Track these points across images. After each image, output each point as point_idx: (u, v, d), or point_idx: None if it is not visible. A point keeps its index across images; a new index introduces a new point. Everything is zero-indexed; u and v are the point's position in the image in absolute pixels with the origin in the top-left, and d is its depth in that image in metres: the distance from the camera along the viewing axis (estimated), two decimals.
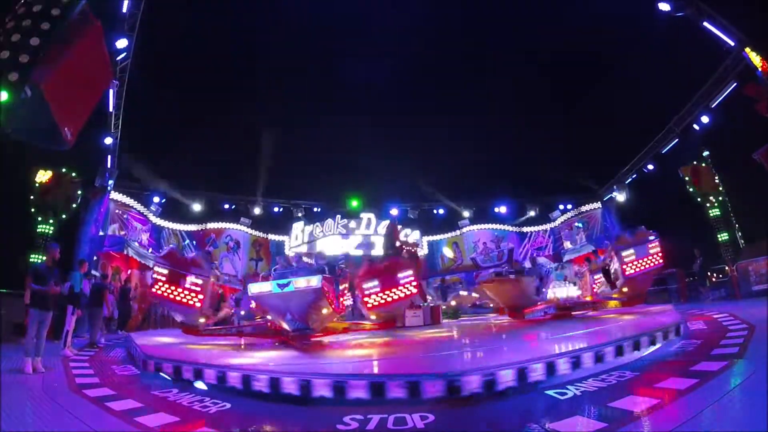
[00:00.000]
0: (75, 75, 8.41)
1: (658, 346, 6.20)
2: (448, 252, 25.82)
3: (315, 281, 7.19)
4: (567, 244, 23.22)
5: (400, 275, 10.30)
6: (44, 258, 11.57)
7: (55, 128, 8.23)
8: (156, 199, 20.59)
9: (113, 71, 12.91)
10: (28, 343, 6.76)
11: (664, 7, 13.79)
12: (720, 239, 17.34)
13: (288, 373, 5.05)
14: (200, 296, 9.03)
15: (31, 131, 8.26)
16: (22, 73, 7.18)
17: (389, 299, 10.31)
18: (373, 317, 10.81)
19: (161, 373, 6.39)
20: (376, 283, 10.34)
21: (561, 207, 24.65)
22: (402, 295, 10.30)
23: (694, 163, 18.05)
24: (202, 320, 9.39)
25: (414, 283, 10.28)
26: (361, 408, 4.30)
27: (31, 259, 13.93)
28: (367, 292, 10.38)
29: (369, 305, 10.47)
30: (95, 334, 10.41)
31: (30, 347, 6.71)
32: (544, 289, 11.80)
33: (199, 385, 5.63)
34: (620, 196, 21.79)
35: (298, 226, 23.64)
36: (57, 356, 8.01)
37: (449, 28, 23.15)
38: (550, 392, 4.57)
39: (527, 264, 13.02)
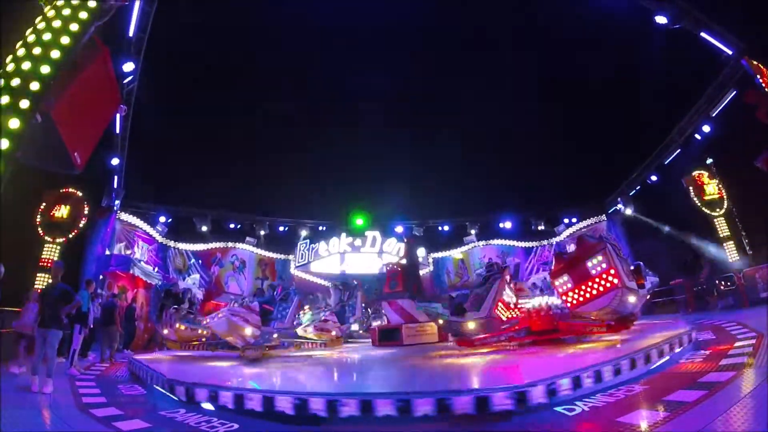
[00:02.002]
0: (84, 101, 8.62)
1: (666, 358, 6.16)
2: (456, 254, 25.81)
3: None
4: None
5: (589, 264, 8.01)
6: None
7: (66, 153, 8.41)
8: (162, 219, 20.76)
9: (121, 96, 13.15)
10: (34, 362, 6.83)
11: (661, 19, 13.95)
12: (726, 247, 17.23)
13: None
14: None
15: (42, 157, 8.44)
16: (33, 101, 7.35)
17: (587, 296, 8.08)
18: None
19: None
20: (566, 278, 8.38)
21: (566, 221, 24.61)
22: (600, 289, 7.88)
23: (698, 172, 18.05)
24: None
25: (612, 272, 7.76)
26: (374, 426, 4.30)
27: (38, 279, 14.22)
28: (560, 290, 8.58)
29: (568, 305, 8.54)
30: (112, 351, 11.17)
31: (36, 365, 6.76)
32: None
33: (207, 405, 5.63)
34: (626, 209, 21.75)
35: (303, 245, 23.71)
36: (63, 375, 8.06)
37: (452, 43, 23.47)
38: (559, 409, 4.54)
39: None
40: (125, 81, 13.87)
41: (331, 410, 4.35)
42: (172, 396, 6.34)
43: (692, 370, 5.68)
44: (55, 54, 7.82)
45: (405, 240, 23.16)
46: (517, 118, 22.14)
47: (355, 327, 12.85)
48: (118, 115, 14.66)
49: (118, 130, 15.41)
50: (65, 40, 8.03)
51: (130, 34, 13.10)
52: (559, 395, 4.57)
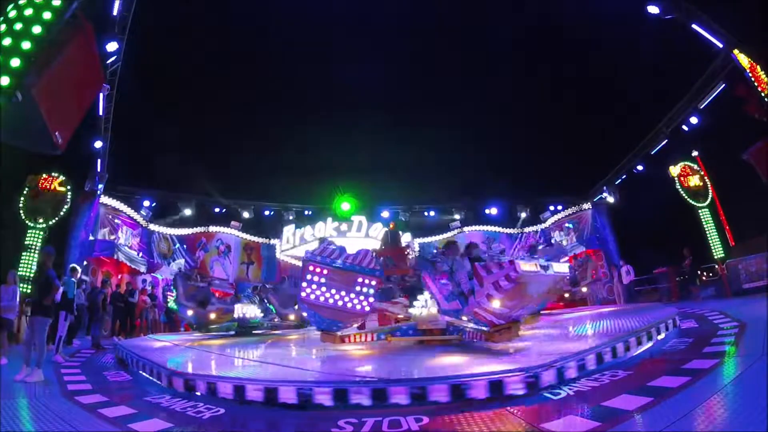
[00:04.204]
0: (66, 79, 8.35)
1: (650, 344, 6.28)
2: (440, 240, 25.86)
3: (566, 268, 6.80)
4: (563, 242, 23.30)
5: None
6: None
7: (47, 133, 8.15)
8: (146, 203, 20.41)
9: (104, 75, 12.80)
10: (23, 350, 6.73)
11: (653, 9, 13.95)
12: (709, 238, 17.52)
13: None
14: None
15: (22, 136, 8.17)
16: (14, 78, 7.09)
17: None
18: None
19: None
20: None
21: (551, 208, 24.76)
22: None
23: (684, 163, 18.23)
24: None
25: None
26: (357, 411, 4.30)
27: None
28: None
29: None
30: (97, 337, 11.32)
31: (26, 354, 6.66)
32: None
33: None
34: (610, 197, 21.96)
35: (288, 230, 23.47)
36: (48, 362, 7.92)
37: (441, 31, 23.26)
38: (544, 392, 4.60)
39: None
40: (108, 61, 13.50)
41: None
42: (157, 381, 6.30)
43: (676, 356, 5.78)
44: (37, 29, 7.54)
45: (390, 226, 23.05)
46: (505, 105, 22.13)
47: None
48: (101, 96, 14.30)
49: (101, 113, 15.02)
50: (47, 15, 7.74)
51: (114, 12, 12.72)
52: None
